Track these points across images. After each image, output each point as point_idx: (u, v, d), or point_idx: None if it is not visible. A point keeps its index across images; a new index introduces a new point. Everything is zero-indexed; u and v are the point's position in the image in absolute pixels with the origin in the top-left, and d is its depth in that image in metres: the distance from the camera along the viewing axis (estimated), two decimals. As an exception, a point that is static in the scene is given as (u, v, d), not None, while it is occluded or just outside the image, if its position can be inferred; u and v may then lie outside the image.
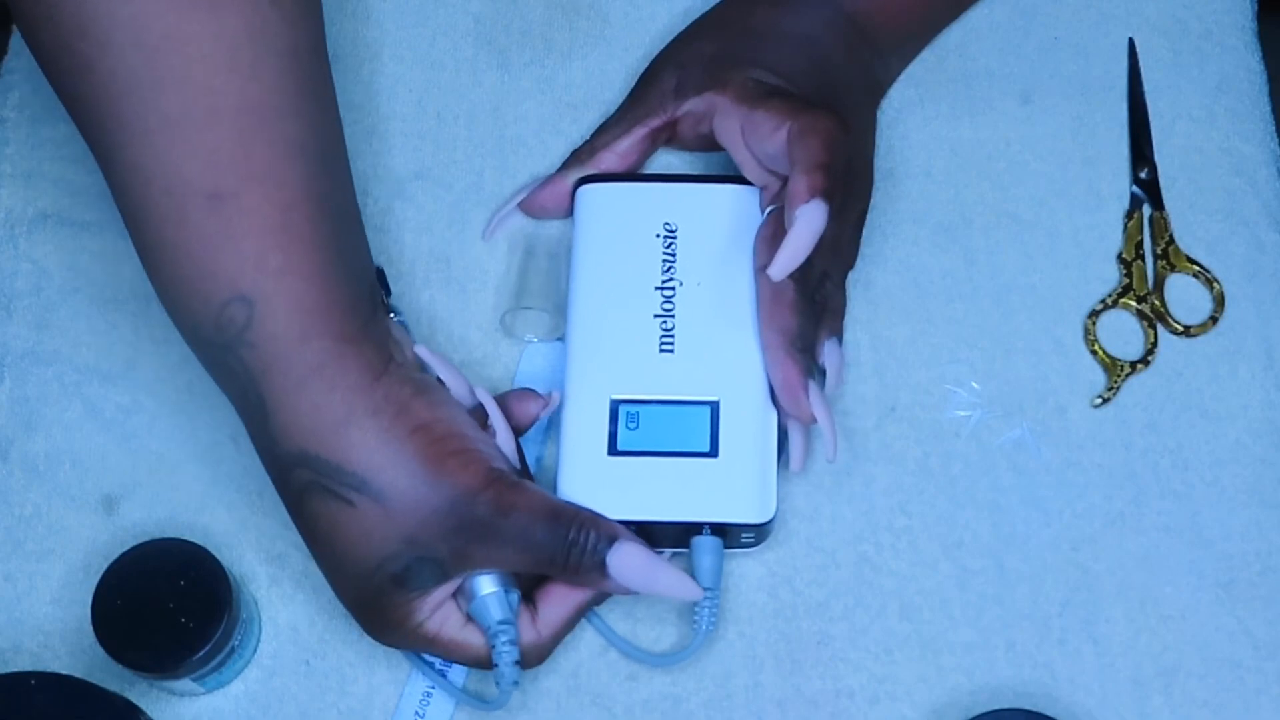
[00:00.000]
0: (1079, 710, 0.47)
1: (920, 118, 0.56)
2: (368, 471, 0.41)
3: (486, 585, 0.43)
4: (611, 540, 0.43)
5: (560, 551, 0.43)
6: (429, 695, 0.47)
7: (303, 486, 0.42)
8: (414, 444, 0.41)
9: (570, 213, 0.52)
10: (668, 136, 0.53)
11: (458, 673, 0.47)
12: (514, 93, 0.57)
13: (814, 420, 0.46)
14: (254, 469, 0.49)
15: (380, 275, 0.47)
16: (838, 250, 0.49)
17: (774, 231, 0.47)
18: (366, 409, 0.41)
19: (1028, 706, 0.46)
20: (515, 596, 0.44)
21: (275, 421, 0.41)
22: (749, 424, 0.47)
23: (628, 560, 0.43)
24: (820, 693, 0.47)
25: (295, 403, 0.41)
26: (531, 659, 0.45)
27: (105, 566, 0.45)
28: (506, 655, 0.43)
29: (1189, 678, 0.48)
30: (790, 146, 0.47)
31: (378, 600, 0.43)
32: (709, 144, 0.52)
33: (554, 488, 0.47)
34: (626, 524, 0.46)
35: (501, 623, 0.43)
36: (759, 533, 0.47)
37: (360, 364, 0.41)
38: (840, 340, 0.49)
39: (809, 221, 0.44)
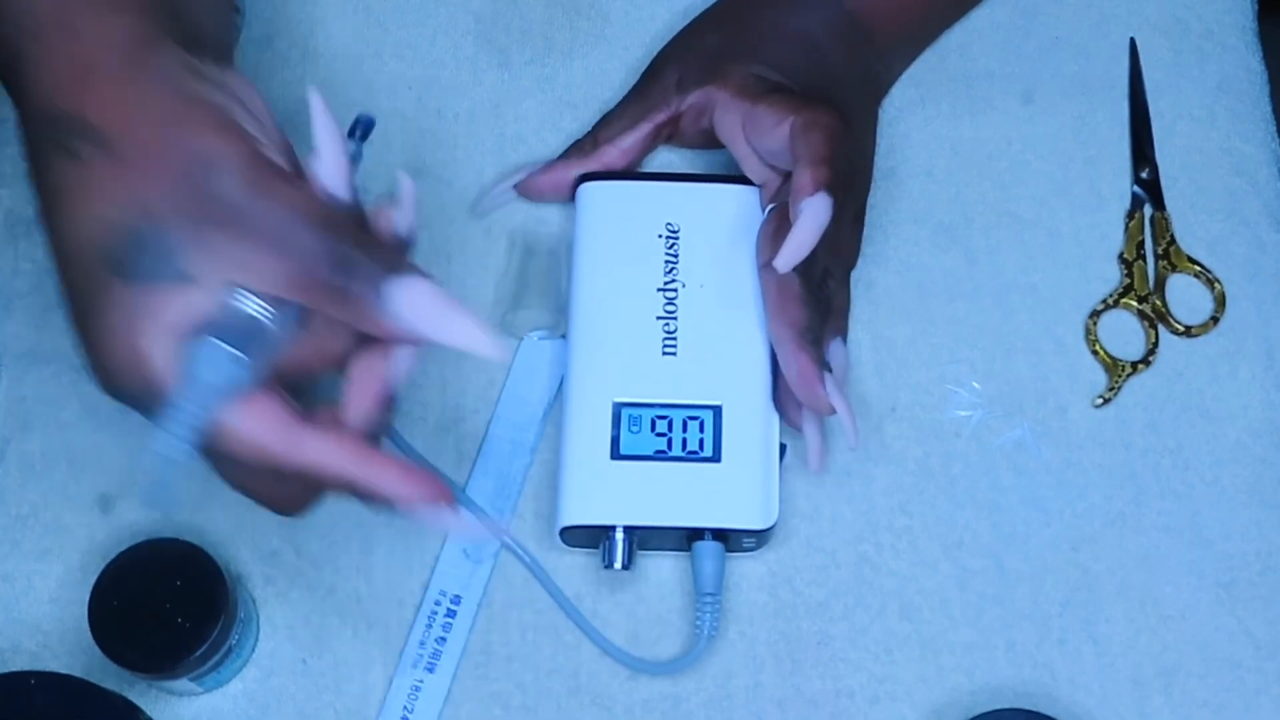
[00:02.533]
0: (1079, 710, 0.48)
1: (921, 117, 0.58)
2: (107, 125, 0.35)
3: (218, 340, 0.34)
4: (396, 269, 0.36)
5: (328, 265, 0.35)
6: (417, 689, 0.48)
7: (47, 151, 0.36)
8: (167, 103, 0.36)
9: (567, 200, 0.53)
10: (669, 133, 0.54)
11: (448, 666, 0.48)
12: (514, 91, 0.58)
13: (832, 411, 0.47)
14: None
15: (368, 124, 0.41)
16: (838, 248, 0.50)
17: (777, 228, 0.49)
18: (127, 62, 0.36)
19: (1028, 706, 0.47)
20: (244, 374, 0.34)
21: (31, 77, 0.37)
22: (752, 429, 0.49)
23: (416, 296, 0.36)
24: (820, 693, 0.49)
25: (53, 53, 0.37)
26: (328, 475, 0.37)
27: (102, 566, 0.46)
28: (179, 423, 0.34)
29: (1189, 678, 0.49)
30: (793, 141, 0.48)
31: (93, 296, 0.35)
32: (710, 140, 0.53)
33: (556, 491, 0.48)
34: (629, 529, 0.48)
35: (203, 387, 0.34)
36: (760, 538, 0.49)
37: (138, 30, 0.37)
38: (845, 339, 0.51)
39: (814, 214, 0.46)
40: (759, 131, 0.49)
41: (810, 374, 0.47)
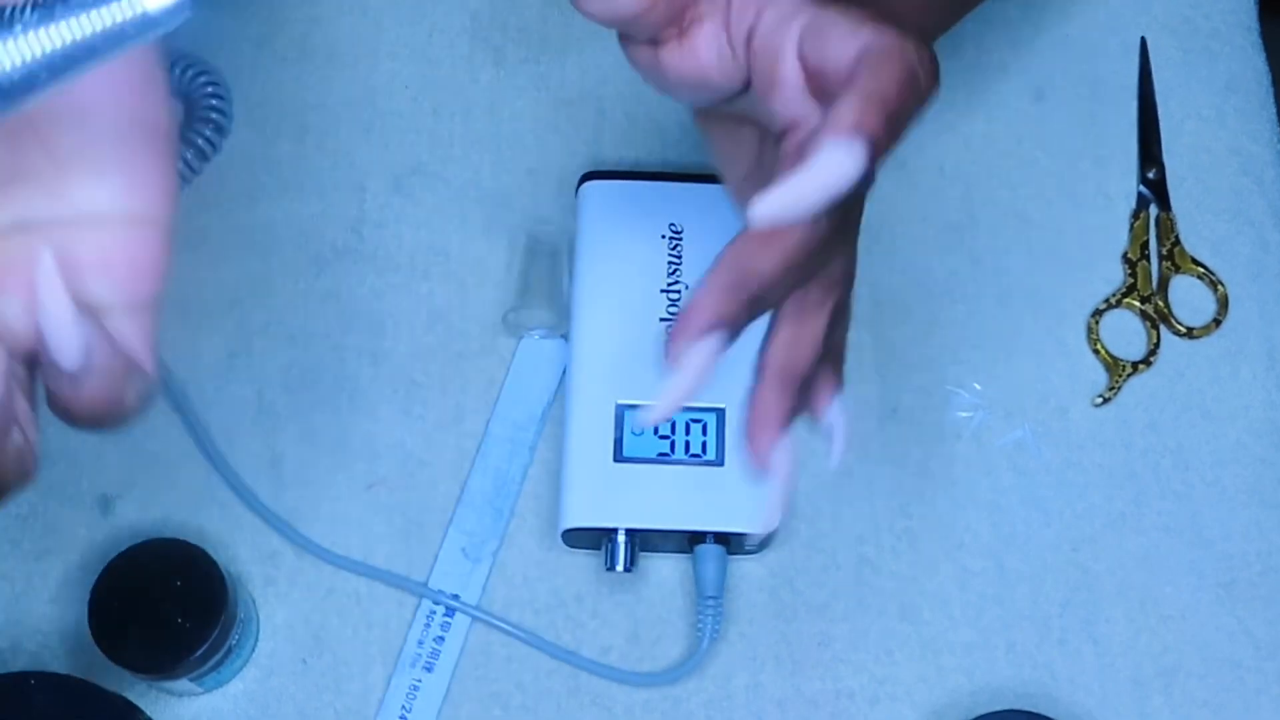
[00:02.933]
0: (1079, 710, 0.49)
1: (935, 107, 0.58)
2: None
3: None
4: None
5: None
6: (416, 689, 0.49)
7: None
8: None
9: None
10: (678, 31, 0.39)
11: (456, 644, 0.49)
12: (510, 89, 0.59)
13: (767, 472, 0.37)
14: (248, 468, 0.52)
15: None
16: (843, 254, 0.39)
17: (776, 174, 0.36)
18: None
19: (1028, 707, 0.48)
20: None
21: None
22: None
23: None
24: (821, 693, 0.49)
25: None
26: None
27: (102, 567, 0.47)
28: None
29: (1189, 678, 0.50)
30: (859, 64, 0.35)
31: None
32: (713, 73, 0.38)
33: (559, 493, 0.49)
34: (631, 531, 0.48)
35: None
36: (762, 541, 0.50)
37: None
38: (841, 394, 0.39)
39: (839, 160, 0.32)
40: (820, 39, 0.36)
41: (773, 418, 0.37)
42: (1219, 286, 0.55)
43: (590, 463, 0.49)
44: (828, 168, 0.32)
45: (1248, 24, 0.60)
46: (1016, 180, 0.57)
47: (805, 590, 0.51)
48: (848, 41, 0.36)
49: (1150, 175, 0.57)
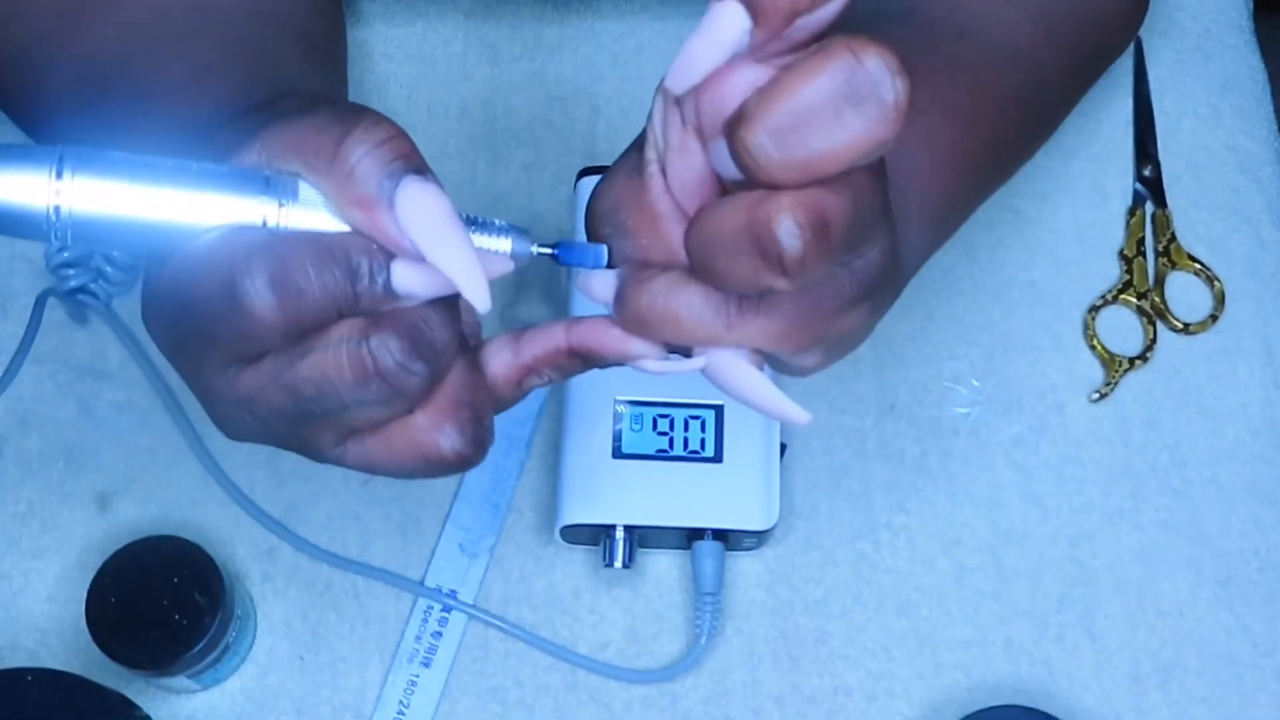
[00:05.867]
0: (1076, 706, 0.52)
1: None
2: None
3: None
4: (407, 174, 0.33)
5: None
6: (414, 684, 0.52)
7: None
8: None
9: None
10: None
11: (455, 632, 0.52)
12: (504, 86, 0.61)
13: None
14: (246, 465, 0.54)
15: None
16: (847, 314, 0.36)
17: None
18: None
19: (1025, 703, 0.51)
20: None
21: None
22: (753, 429, 0.52)
23: (419, 206, 0.32)
24: (818, 690, 0.52)
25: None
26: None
27: (100, 564, 0.50)
28: None
29: (1186, 674, 0.53)
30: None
31: None
32: None
33: (557, 489, 0.52)
34: (630, 528, 0.51)
35: None
36: (760, 538, 0.52)
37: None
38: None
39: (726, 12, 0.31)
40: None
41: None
42: (1215, 282, 0.58)
43: (589, 459, 0.52)
44: (714, 22, 0.32)
45: (1239, 23, 0.63)
46: (1013, 177, 0.60)
47: (803, 586, 0.54)
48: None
49: (1146, 173, 0.60)
